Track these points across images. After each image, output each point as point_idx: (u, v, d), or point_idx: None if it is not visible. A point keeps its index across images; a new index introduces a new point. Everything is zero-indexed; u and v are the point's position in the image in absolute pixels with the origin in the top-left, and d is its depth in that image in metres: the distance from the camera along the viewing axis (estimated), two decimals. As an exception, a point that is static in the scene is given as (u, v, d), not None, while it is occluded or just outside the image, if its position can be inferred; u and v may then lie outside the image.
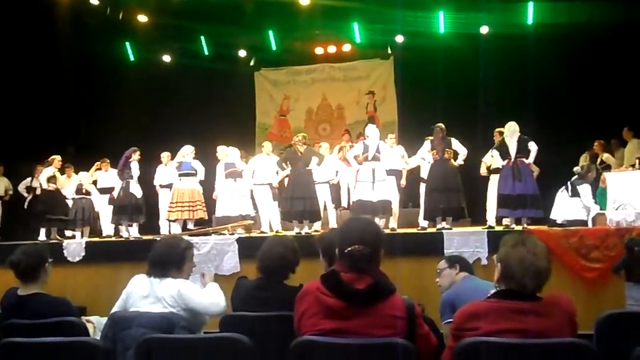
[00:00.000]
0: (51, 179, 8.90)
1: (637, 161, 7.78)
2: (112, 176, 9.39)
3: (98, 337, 3.24)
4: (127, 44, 12.48)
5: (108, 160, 9.78)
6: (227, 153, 8.85)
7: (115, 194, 9.04)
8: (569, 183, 7.46)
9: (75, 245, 8.04)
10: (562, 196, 7.46)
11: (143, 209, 8.87)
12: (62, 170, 9.33)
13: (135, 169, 8.76)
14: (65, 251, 7.92)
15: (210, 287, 3.26)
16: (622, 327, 2.76)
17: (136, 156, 8.79)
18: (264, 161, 9.05)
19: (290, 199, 8.09)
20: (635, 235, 5.91)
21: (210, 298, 3.13)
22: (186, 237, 3.91)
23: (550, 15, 9.91)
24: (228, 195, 8.62)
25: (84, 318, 3.70)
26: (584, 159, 9.27)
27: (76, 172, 9.50)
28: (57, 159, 9.09)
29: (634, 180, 7.25)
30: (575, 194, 7.31)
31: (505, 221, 7.56)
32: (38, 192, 9.20)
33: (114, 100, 11.59)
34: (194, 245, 3.44)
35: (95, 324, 3.92)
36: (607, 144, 9.28)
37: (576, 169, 7.72)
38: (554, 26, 9.70)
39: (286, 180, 8.68)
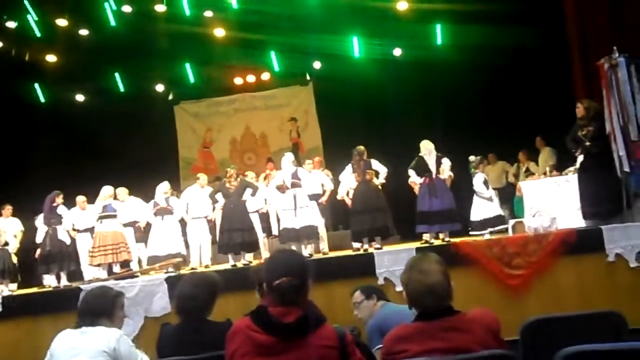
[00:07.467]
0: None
1: (547, 169, 8.22)
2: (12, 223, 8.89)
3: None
4: (37, 85, 11.99)
5: (10, 207, 9.08)
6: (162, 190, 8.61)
7: (40, 241, 8.55)
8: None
9: (-13, 300, 7.50)
10: (475, 199, 7.90)
11: (73, 256, 8.49)
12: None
13: (65, 213, 8.40)
14: (-23, 307, 7.39)
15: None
16: (545, 331, 2.88)
17: (60, 200, 8.41)
18: (198, 193, 8.79)
19: (228, 232, 7.93)
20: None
21: None
22: (113, 282, 3.76)
23: (457, 38, 10.37)
24: (156, 234, 8.38)
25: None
26: (514, 169, 9.98)
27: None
28: None
29: (547, 187, 7.66)
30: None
31: (425, 237, 7.75)
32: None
33: (26, 144, 11.08)
34: (122, 292, 3.32)
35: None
36: (528, 153, 9.83)
37: (471, 158, 8.11)
38: (462, 48, 10.14)
39: (219, 213, 8.53)
